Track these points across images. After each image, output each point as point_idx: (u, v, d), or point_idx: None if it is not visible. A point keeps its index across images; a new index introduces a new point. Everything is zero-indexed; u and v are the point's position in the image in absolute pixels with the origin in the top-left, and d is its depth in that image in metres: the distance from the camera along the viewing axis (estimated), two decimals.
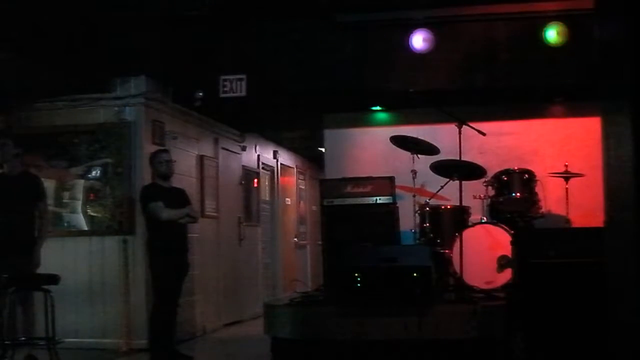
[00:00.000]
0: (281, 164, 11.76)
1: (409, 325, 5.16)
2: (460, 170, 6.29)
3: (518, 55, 7.07)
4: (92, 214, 7.28)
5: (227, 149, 9.34)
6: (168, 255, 6.14)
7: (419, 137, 6.71)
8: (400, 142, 6.77)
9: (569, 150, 7.55)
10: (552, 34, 6.90)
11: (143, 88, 7.31)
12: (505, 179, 6.77)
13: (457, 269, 6.03)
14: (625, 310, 2.31)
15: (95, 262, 7.20)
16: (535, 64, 7.05)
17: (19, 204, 6.09)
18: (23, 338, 5.80)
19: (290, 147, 12.18)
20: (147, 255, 6.36)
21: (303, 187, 13.10)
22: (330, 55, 7.23)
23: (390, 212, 6.36)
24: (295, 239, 12.16)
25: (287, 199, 12.08)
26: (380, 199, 6.36)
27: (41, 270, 6.08)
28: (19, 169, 6.26)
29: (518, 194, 6.69)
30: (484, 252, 6.15)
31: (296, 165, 12.75)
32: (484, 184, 6.84)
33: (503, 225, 6.32)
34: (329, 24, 7.17)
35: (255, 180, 10.51)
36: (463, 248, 6.01)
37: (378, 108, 8.29)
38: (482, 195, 6.86)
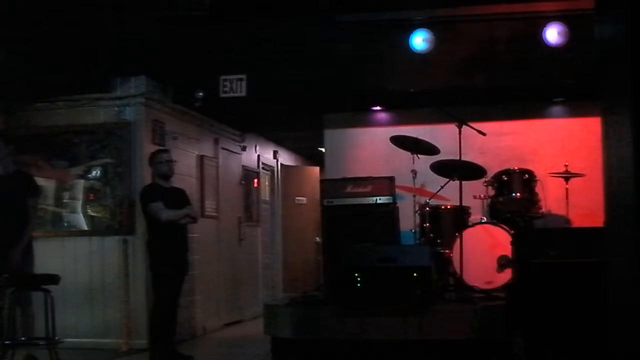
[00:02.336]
0: (281, 164, 11.76)
1: (409, 325, 5.16)
2: (460, 170, 6.29)
3: (518, 55, 7.07)
4: (92, 214, 7.28)
5: (227, 149, 9.34)
6: (168, 255, 6.14)
7: (419, 137, 6.71)
8: (400, 142, 6.77)
9: (569, 150, 7.54)
10: (553, 34, 6.90)
11: (143, 88, 7.31)
12: (505, 179, 6.76)
13: (457, 269, 6.03)
14: (625, 310, 2.31)
15: (95, 262, 7.20)
16: (535, 64, 7.04)
17: (12, 202, 6.08)
18: (23, 338, 5.80)
19: (290, 147, 12.18)
20: (147, 256, 6.36)
21: None
22: (330, 55, 7.23)
23: (390, 212, 6.36)
24: (318, 239, 11.92)
25: (300, 198, 11.85)
26: (380, 199, 6.35)
27: (41, 270, 6.08)
28: (12, 168, 6.26)
29: (518, 194, 6.69)
30: (484, 252, 6.15)
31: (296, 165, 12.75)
32: (484, 184, 6.84)
33: (503, 225, 6.31)
34: (329, 24, 7.17)
35: (255, 180, 10.51)
36: (463, 248, 6.01)
37: (378, 108, 8.29)
38: (482, 195, 6.86)
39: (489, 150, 7.50)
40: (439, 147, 6.70)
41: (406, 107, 8.04)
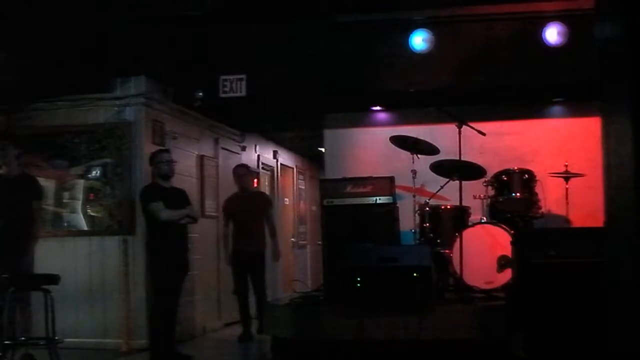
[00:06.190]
0: (281, 164, 11.76)
1: (409, 325, 5.16)
2: (460, 170, 6.29)
3: (518, 55, 7.07)
4: (92, 214, 7.28)
5: (227, 149, 9.33)
6: (168, 255, 6.14)
7: (419, 137, 6.71)
8: (400, 142, 6.76)
9: (569, 150, 7.54)
10: (553, 34, 6.91)
11: (143, 88, 7.31)
12: (505, 179, 6.76)
13: (457, 269, 6.03)
14: (625, 310, 2.31)
15: (95, 262, 7.20)
16: (535, 64, 7.04)
17: (17, 204, 6.10)
18: (22, 338, 5.80)
19: (290, 147, 12.18)
20: (147, 256, 6.36)
21: (303, 187, 13.10)
22: (330, 55, 7.23)
23: (390, 212, 6.35)
24: (293, 239, 12.15)
25: (285, 199, 12.08)
26: (380, 199, 6.35)
27: (41, 270, 6.08)
28: (17, 171, 6.27)
29: (518, 194, 6.68)
30: (484, 252, 6.14)
31: (296, 165, 12.75)
32: (484, 184, 6.83)
33: (503, 225, 6.31)
34: (329, 24, 7.17)
35: (255, 180, 10.50)
36: (463, 248, 6.01)
37: (378, 108, 8.29)
38: (482, 195, 6.86)
39: (489, 150, 7.50)
40: (439, 147, 6.69)
41: (406, 107, 8.04)
